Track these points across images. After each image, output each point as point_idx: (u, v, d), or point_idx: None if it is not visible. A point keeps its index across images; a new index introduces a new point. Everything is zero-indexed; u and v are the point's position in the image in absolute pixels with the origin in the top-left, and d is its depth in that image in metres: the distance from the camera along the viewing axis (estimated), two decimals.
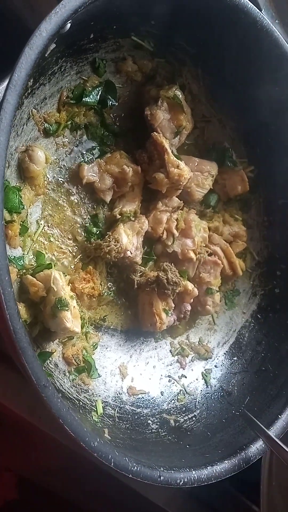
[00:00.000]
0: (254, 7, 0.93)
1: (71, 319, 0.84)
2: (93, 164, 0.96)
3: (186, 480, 0.78)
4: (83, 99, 0.94)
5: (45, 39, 0.68)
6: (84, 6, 0.73)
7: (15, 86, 0.62)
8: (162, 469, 0.76)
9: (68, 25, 0.73)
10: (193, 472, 0.80)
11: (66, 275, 0.88)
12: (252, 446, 0.89)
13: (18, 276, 0.85)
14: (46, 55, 0.74)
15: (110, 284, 1.03)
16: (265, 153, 1.14)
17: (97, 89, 0.96)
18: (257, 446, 0.90)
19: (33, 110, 0.87)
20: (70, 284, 0.90)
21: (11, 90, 0.62)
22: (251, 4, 0.93)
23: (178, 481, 0.77)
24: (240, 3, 0.91)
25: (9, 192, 0.83)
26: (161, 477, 0.75)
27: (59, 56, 0.85)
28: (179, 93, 1.00)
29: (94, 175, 0.96)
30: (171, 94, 0.98)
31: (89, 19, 0.82)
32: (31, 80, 0.77)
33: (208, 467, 0.82)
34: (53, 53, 0.80)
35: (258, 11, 0.94)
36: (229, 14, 0.92)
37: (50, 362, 0.88)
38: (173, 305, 1.03)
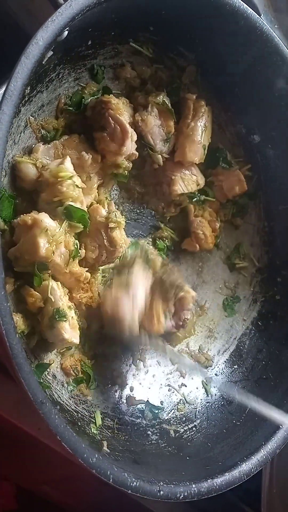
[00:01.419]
0: (254, 12, 0.92)
1: (69, 330, 0.83)
2: (50, 145, 0.88)
3: (186, 494, 0.77)
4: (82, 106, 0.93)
5: (42, 48, 0.67)
6: (81, 13, 0.72)
7: (11, 96, 0.61)
8: (161, 483, 0.75)
9: (66, 33, 0.72)
10: (193, 485, 0.78)
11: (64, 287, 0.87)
12: (253, 457, 0.88)
13: (15, 286, 0.83)
14: (43, 63, 0.73)
15: None
16: (266, 158, 1.13)
17: (95, 95, 0.95)
18: (258, 457, 0.89)
19: (31, 117, 0.85)
20: (68, 294, 0.89)
21: (7, 100, 0.61)
22: (250, 9, 0.92)
23: (178, 495, 0.76)
24: (240, 8, 0.90)
25: (5, 201, 0.81)
26: (161, 492, 0.74)
27: (56, 63, 0.84)
28: (167, 99, 0.99)
29: (48, 158, 0.87)
30: (160, 100, 0.98)
31: (87, 26, 0.81)
32: (28, 88, 0.76)
33: (209, 480, 0.81)
34: (51, 60, 0.79)
35: (258, 16, 0.93)
36: (228, 20, 0.91)
37: (48, 373, 0.87)
38: (173, 310, 1.01)
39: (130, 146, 0.91)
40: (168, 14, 0.89)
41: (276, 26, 1.12)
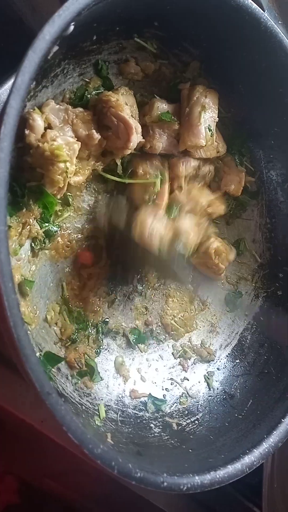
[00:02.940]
0: (258, 8, 0.92)
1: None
2: (61, 106, 0.86)
3: (189, 486, 0.77)
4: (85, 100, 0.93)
5: (48, 42, 0.67)
6: (87, 8, 0.72)
7: (19, 90, 0.62)
8: (165, 474, 0.75)
9: (72, 28, 0.73)
10: (196, 477, 0.79)
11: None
12: (255, 450, 0.89)
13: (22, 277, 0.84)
14: (49, 58, 0.74)
15: (111, 286, 1.03)
16: (269, 155, 1.13)
17: (99, 90, 0.96)
18: (260, 450, 0.89)
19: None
20: None
21: (15, 94, 0.61)
22: (255, 5, 0.92)
23: (182, 487, 0.76)
24: (244, 4, 0.90)
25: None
26: (165, 483, 0.74)
27: (61, 58, 0.84)
28: (164, 105, 0.98)
29: (56, 118, 0.85)
30: (155, 115, 0.98)
31: (92, 21, 0.81)
32: (34, 83, 0.77)
33: (211, 472, 0.82)
34: (56, 55, 0.79)
35: (262, 12, 0.93)
36: (233, 15, 0.91)
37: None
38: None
39: (136, 139, 0.91)
40: (173, 9, 0.89)
41: (280, 22, 1.12)
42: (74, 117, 0.87)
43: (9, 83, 0.89)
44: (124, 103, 0.91)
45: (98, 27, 0.85)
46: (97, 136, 0.88)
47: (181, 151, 1.02)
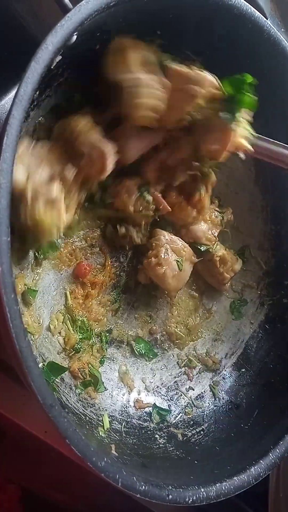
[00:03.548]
0: (262, 16, 0.92)
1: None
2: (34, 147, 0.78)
3: (194, 498, 0.76)
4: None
5: (51, 52, 0.67)
6: (90, 18, 0.72)
7: (21, 101, 0.62)
8: (170, 487, 0.74)
9: (74, 37, 0.73)
10: (202, 489, 0.78)
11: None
12: (261, 461, 0.88)
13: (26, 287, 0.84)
14: (52, 68, 0.74)
15: (115, 295, 1.02)
16: None
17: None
18: (267, 461, 0.88)
19: (41, 118, 0.85)
20: None
21: (17, 105, 0.61)
22: (258, 13, 0.92)
23: (187, 499, 0.75)
24: (248, 12, 0.90)
25: None
26: (170, 496, 0.73)
27: (64, 68, 0.84)
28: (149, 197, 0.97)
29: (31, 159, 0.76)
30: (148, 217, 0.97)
31: (95, 30, 0.81)
32: (37, 93, 0.76)
33: (217, 484, 0.81)
34: (59, 65, 0.79)
35: (266, 20, 0.93)
36: (236, 23, 0.91)
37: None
38: None
39: (112, 162, 0.84)
40: (176, 18, 0.89)
41: (282, 29, 1.12)
42: (46, 153, 0.81)
43: (12, 92, 0.89)
44: (90, 126, 0.83)
45: (101, 36, 0.85)
46: (72, 169, 0.81)
47: None
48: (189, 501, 0.76)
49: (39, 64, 0.64)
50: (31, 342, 0.85)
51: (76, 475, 1.08)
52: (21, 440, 1.04)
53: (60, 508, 1.22)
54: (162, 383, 1.06)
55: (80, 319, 0.96)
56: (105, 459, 0.66)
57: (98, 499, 1.19)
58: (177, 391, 1.06)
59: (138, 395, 1.01)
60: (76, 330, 0.95)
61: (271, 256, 1.19)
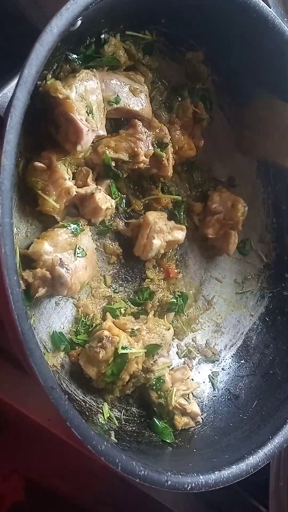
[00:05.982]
0: (266, 6, 0.92)
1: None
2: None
3: (193, 485, 0.76)
4: None
5: (56, 36, 0.66)
6: (95, 3, 0.72)
7: (25, 83, 0.61)
8: (169, 473, 0.74)
9: (79, 22, 0.72)
10: (201, 477, 0.78)
11: None
12: (260, 451, 0.88)
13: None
14: (56, 53, 0.74)
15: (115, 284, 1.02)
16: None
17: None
18: (265, 451, 0.88)
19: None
20: None
21: (22, 87, 0.61)
22: (262, 3, 0.92)
23: (186, 485, 0.76)
24: (252, 2, 0.90)
25: None
26: (168, 482, 0.74)
27: (67, 54, 0.84)
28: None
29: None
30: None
31: (99, 17, 0.81)
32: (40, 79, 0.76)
33: (216, 472, 0.81)
34: (62, 50, 0.79)
35: (270, 10, 0.93)
36: (240, 13, 0.90)
37: (57, 363, 0.87)
38: None
39: (88, 141, 0.82)
40: (180, 6, 0.89)
41: (286, 19, 1.12)
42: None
43: (14, 81, 0.88)
44: (74, 100, 0.78)
45: (106, 23, 0.85)
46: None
47: None
48: (188, 488, 0.76)
49: (43, 46, 0.64)
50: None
51: (79, 464, 1.08)
52: (25, 428, 1.04)
53: (63, 497, 1.22)
54: None
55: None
56: (105, 443, 0.66)
57: (101, 488, 1.20)
58: None
59: None
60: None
61: (272, 249, 1.19)
